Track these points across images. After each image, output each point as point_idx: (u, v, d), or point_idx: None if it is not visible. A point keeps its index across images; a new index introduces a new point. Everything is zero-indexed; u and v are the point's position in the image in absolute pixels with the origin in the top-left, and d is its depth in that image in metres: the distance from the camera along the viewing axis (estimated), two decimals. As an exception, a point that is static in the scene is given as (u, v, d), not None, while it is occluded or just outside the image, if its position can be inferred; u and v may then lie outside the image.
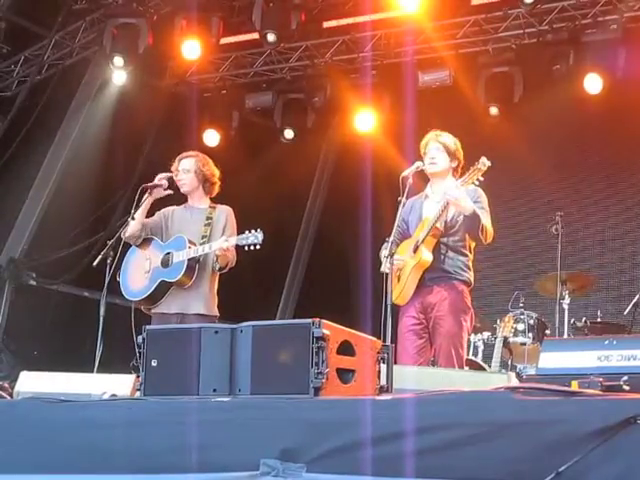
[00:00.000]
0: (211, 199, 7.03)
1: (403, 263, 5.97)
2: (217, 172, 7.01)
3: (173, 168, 6.98)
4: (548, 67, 10.44)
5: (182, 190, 6.96)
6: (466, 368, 7.20)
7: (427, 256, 6.06)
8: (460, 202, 5.90)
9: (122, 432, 3.92)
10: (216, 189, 7.00)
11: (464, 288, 6.16)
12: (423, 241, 6.06)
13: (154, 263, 6.75)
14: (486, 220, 6.08)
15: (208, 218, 6.83)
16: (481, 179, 5.87)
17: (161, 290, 6.68)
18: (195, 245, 6.62)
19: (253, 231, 6.41)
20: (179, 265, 6.61)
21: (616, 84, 10.28)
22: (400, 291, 5.95)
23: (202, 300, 6.70)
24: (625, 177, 11.48)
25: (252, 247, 6.40)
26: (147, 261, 6.80)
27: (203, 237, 6.71)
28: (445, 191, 5.99)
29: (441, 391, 3.74)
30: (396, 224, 6.38)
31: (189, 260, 6.59)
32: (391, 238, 6.39)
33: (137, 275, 6.83)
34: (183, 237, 6.68)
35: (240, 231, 6.86)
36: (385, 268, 5.92)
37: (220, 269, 6.71)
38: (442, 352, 6.03)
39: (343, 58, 11.74)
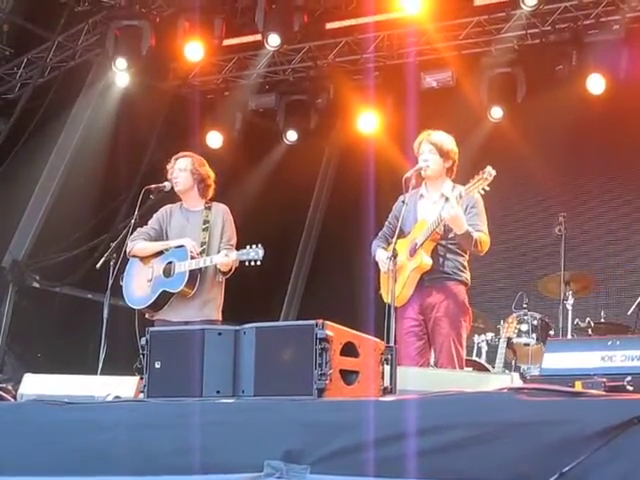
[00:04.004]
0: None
1: (400, 264, 5.96)
2: (212, 174, 6.99)
3: (169, 167, 6.98)
4: (551, 68, 10.44)
5: (176, 189, 6.93)
6: (469, 369, 7.21)
7: (427, 260, 6.07)
8: (456, 222, 5.90)
9: (126, 434, 3.93)
10: (211, 192, 6.97)
11: (462, 288, 6.19)
12: (422, 245, 6.06)
13: (156, 271, 6.75)
14: (483, 227, 6.11)
15: (205, 222, 6.82)
16: (487, 189, 5.84)
17: (163, 299, 6.68)
18: (196, 256, 6.62)
19: (254, 246, 6.41)
20: (181, 276, 6.61)
21: (619, 85, 10.27)
22: (399, 292, 5.94)
23: (206, 309, 6.69)
24: (628, 177, 11.47)
25: (252, 263, 6.40)
26: (150, 269, 6.80)
27: (202, 244, 6.71)
28: (448, 195, 5.98)
29: (445, 392, 3.74)
30: (387, 220, 6.43)
31: (190, 271, 6.59)
32: (380, 233, 6.43)
33: (140, 283, 6.82)
34: (185, 247, 6.67)
35: (240, 235, 6.88)
36: (386, 268, 5.92)
37: (224, 274, 6.71)
38: (443, 352, 6.04)
39: (346, 59, 11.74)
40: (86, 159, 11.59)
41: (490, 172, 5.77)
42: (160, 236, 6.91)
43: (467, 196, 5.91)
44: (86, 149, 11.67)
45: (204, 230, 6.78)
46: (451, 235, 6.10)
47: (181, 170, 6.91)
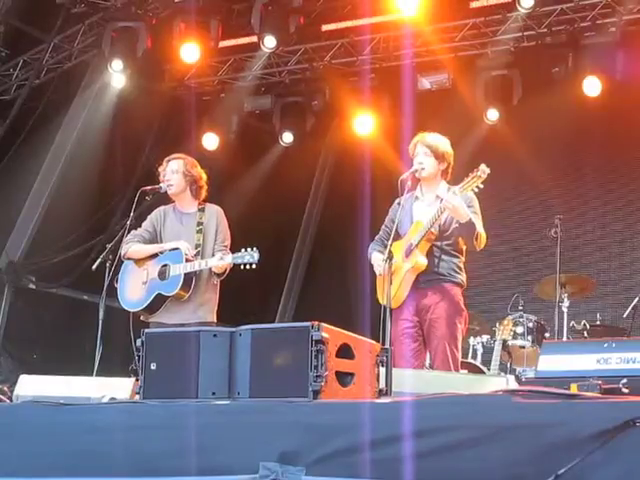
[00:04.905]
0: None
1: (396, 266, 5.96)
2: (204, 176, 6.97)
3: (161, 169, 6.97)
4: (547, 70, 10.45)
5: (169, 192, 6.91)
6: (465, 371, 7.21)
7: (422, 260, 6.06)
8: (458, 210, 5.88)
9: (121, 436, 3.92)
10: (203, 193, 6.95)
11: (458, 290, 6.17)
12: (417, 245, 6.06)
13: (151, 274, 6.73)
14: (479, 226, 6.10)
15: (199, 224, 6.81)
16: (480, 186, 5.84)
17: (158, 301, 6.66)
18: (191, 259, 6.61)
19: (249, 249, 6.39)
20: (176, 279, 6.59)
21: (615, 87, 10.29)
22: (394, 294, 5.94)
23: (201, 311, 6.68)
24: (624, 180, 11.48)
25: (248, 266, 6.40)
26: (144, 271, 6.77)
27: (197, 246, 6.70)
28: (443, 197, 5.98)
29: (440, 394, 3.74)
30: (384, 223, 6.43)
31: (185, 274, 6.59)
32: (377, 236, 6.42)
33: (134, 285, 6.80)
34: (180, 250, 6.66)
35: (236, 236, 6.86)
36: (382, 271, 5.91)
37: (218, 276, 6.70)
38: (438, 354, 6.02)
39: (342, 61, 11.74)
40: (82, 160, 11.58)
41: (484, 170, 5.76)
42: (154, 238, 6.89)
43: (462, 194, 5.91)
44: (82, 150, 11.67)
45: (198, 232, 6.77)
46: (446, 234, 6.11)
47: (173, 172, 6.89)
